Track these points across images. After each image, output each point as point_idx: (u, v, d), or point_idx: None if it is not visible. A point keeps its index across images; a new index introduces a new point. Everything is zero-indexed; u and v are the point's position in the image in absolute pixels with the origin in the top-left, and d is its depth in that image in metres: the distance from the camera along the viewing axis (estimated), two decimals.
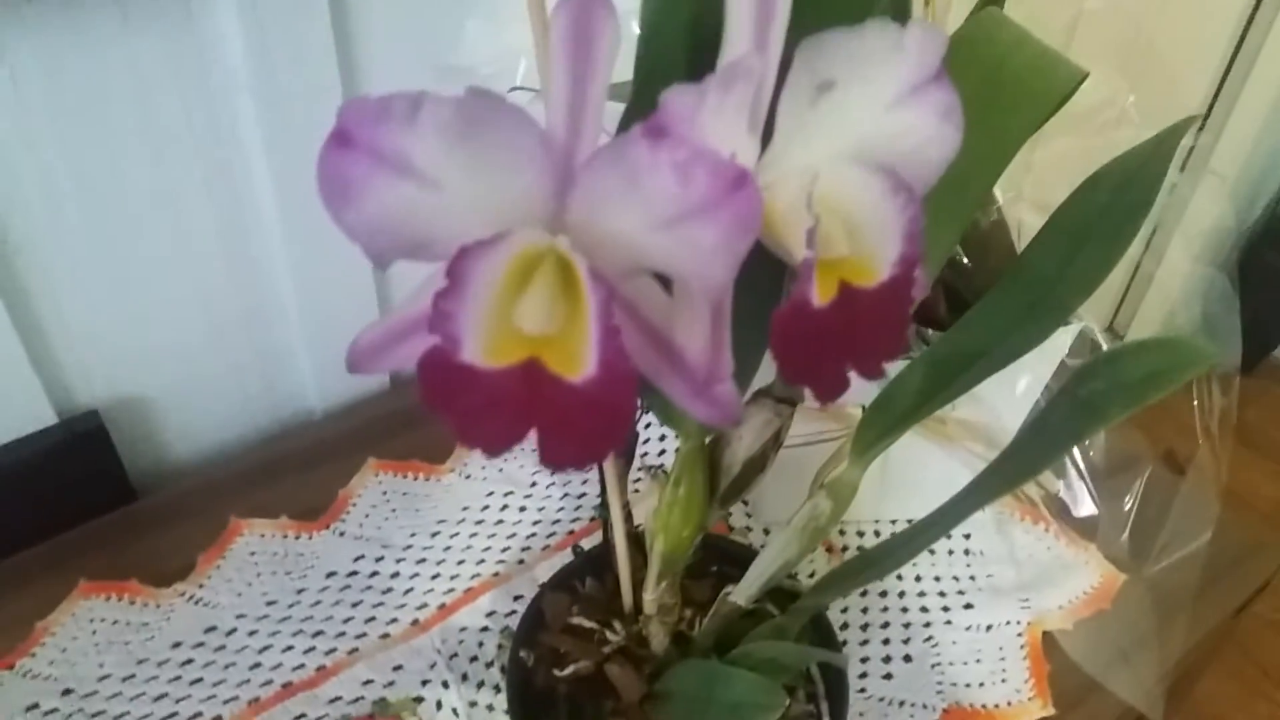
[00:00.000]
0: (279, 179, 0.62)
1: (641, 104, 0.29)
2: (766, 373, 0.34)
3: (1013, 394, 0.56)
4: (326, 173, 0.22)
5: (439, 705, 0.57)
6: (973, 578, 0.64)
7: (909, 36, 0.27)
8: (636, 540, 0.46)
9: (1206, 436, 0.49)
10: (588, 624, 0.48)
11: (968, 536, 0.66)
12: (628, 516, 0.45)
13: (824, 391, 0.26)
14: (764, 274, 0.27)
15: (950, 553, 0.65)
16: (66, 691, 0.57)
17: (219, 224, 0.63)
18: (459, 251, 0.23)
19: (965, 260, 0.65)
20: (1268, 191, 1.43)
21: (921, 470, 0.62)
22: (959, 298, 0.66)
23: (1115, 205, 0.42)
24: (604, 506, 0.45)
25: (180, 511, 0.66)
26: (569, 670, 0.46)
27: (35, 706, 0.56)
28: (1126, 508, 0.54)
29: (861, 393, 0.36)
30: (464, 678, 0.58)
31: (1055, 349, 0.54)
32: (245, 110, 0.59)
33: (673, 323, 0.26)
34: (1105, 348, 0.51)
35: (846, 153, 0.27)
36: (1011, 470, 0.34)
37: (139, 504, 0.67)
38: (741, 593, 0.46)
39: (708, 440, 0.42)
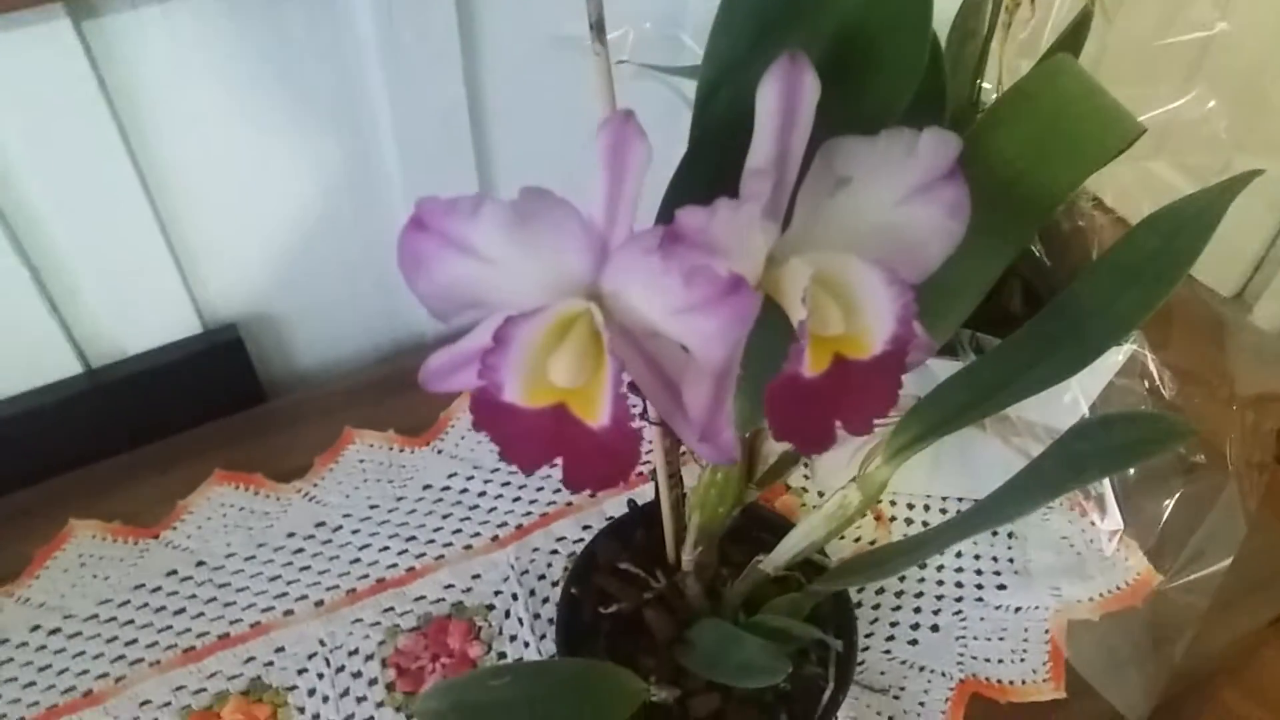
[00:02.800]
0: (400, 133, 0.68)
1: (686, 187, 0.33)
2: None
3: (1060, 404, 0.59)
4: (405, 250, 0.28)
5: (507, 614, 0.65)
6: (1011, 560, 0.68)
7: (923, 142, 0.30)
8: (680, 503, 0.51)
9: (1242, 463, 0.51)
10: (634, 570, 0.54)
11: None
12: (674, 484, 0.51)
13: (807, 447, 0.31)
14: None
15: (994, 533, 0.69)
16: (200, 563, 0.67)
17: (348, 170, 0.69)
18: (505, 320, 0.28)
19: (1046, 260, 0.67)
20: None
21: (975, 452, 0.66)
22: (1036, 295, 0.68)
23: (1164, 251, 0.44)
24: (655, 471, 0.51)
25: (302, 417, 0.75)
26: (612, 609, 0.53)
27: (174, 573, 0.67)
28: (1154, 522, 0.57)
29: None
30: (531, 593, 0.65)
31: (1105, 367, 0.56)
32: (374, 74, 0.64)
33: (683, 381, 0.31)
34: (1148, 366, 0.52)
35: (855, 241, 0.31)
36: (996, 512, 0.38)
37: (267, 406, 0.76)
38: (770, 562, 0.51)
39: (747, 434, 0.47)
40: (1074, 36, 0.50)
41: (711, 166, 0.34)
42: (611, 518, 0.68)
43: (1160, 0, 0.62)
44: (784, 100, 0.29)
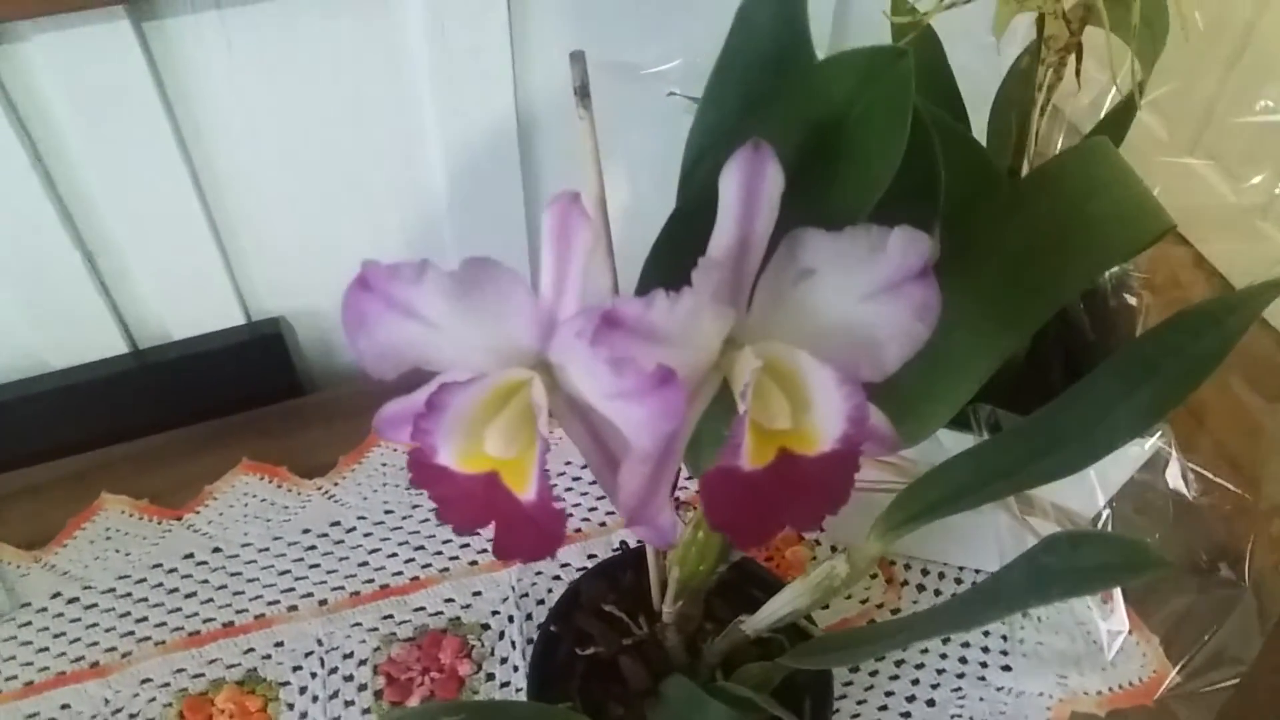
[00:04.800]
0: (448, 144, 0.69)
1: (666, 255, 0.33)
2: None
3: (1080, 490, 0.56)
4: (348, 307, 0.28)
5: (501, 635, 0.65)
6: (1022, 640, 0.65)
7: (893, 240, 0.29)
8: (663, 555, 0.51)
9: (1262, 575, 0.48)
10: (617, 613, 0.54)
11: None
12: None
13: (743, 542, 0.30)
14: None
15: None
16: (216, 549, 0.69)
17: (393, 177, 0.71)
18: (439, 387, 0.28)
19: (1091, 334, 0.64)
20: None
21: (991, 524, 0.64)
22: (1078, 369, 0.65)
23: (1189, 349, 0.42)
24: None
25: (334, 414, 0.77)
26: (589, 650, 0.52)
27: (191, 556, 0.69)
28: (1172, 619, 0.54)
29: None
30: (528, 617, 0.66)
31: (1128, 459, 0.54)
32: (423, 86, 0.65)
33: (622, 461, 0.30)
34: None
35: (814, 334, 0.30)
36: (956, 619, 0.37)
37: (301, 401, 0.78)
38: (752, 624, 0.51)
39: None
40: (1118, 120, 0.48)
41: (692, 235, 0.34)
42: (618, 548, 0.68)
43: None
44: (744, 189, 0.29)
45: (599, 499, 0.72)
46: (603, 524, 0.70)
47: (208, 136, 0.64)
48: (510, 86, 0.66)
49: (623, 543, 0.58)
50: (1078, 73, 0.46)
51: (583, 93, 0.32)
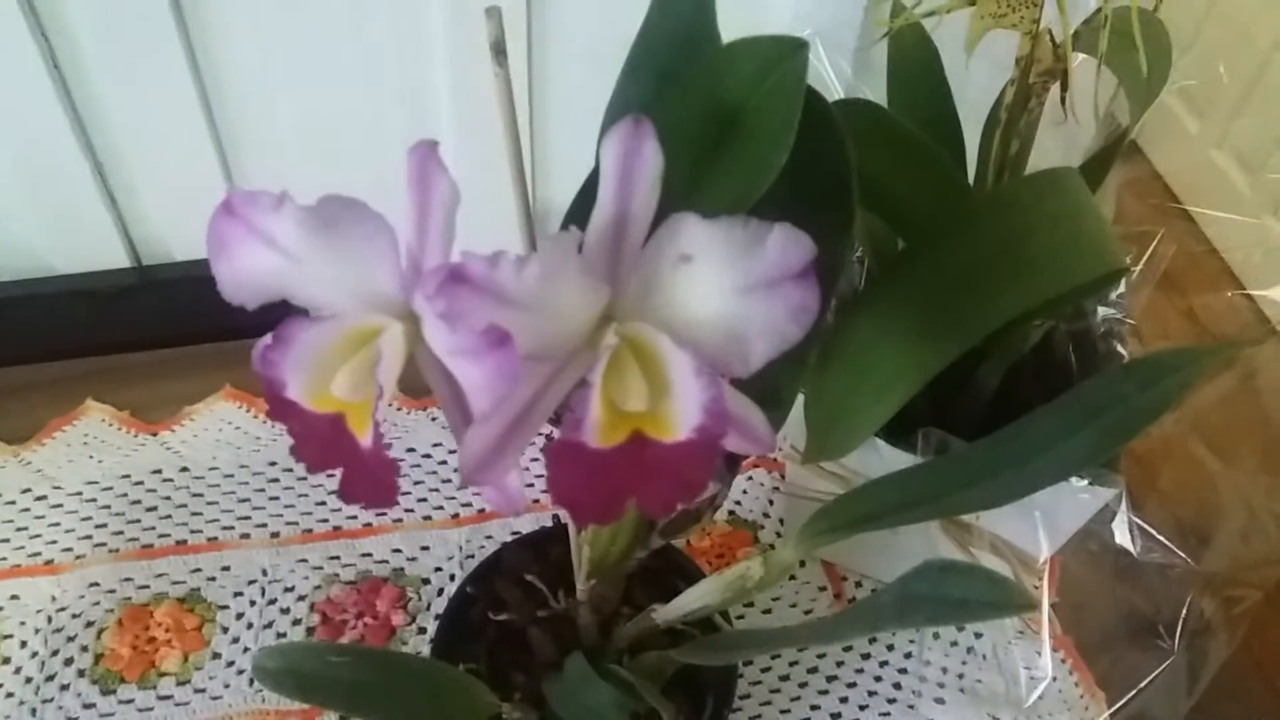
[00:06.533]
0: (456, 100, 0.69)
1: (576, 219, 0.32)
2: None
3: (1028, 533, 0.55)
4: (211, 230, 0.28)
5: (440, 592, 0.65)
6: (961, 675, 0.64)
7: (773, 237, 0.29)
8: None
9: (1194, 641, 0.46)
10: (538, 584, 0.53)
11: (979, 635, 0.65)
12: None
13: (583, 518, 0.30)
14: None
15: (954, 644, 0.65)
16: (184, 469, 0.70)
17: (401, 119, 0.71)
18: (286, 320, 0.28)
19: (1075, 366, 0.62)
20: None
21: (939, 551, 0.62)
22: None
23: (1134, 399, 0.41)
24: None
25: None
26: (502, 616, 0.52)
27: (159, 472, 0.70)
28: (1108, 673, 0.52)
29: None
30: None
31: (1078, 507, 0.52)
32: (440, 57, 0.66)
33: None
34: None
35: (686, 321, 0.30)
36: (825, 634, 0.36)
37: None
38: (663, 614, 0.50)
39: None
40: (1104, 154, 0.46)
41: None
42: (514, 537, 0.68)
43: None
44: (621, 165, 0.28)
45: None
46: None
47: (221, 63, 0.65)
48: (525, 43, 0.66)
49: (555, 516, 0.58)
50: (1062, 100, 0.44)
51: (498, 49, 0.31)
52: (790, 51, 0.28)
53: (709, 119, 0.30)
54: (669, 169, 0.29)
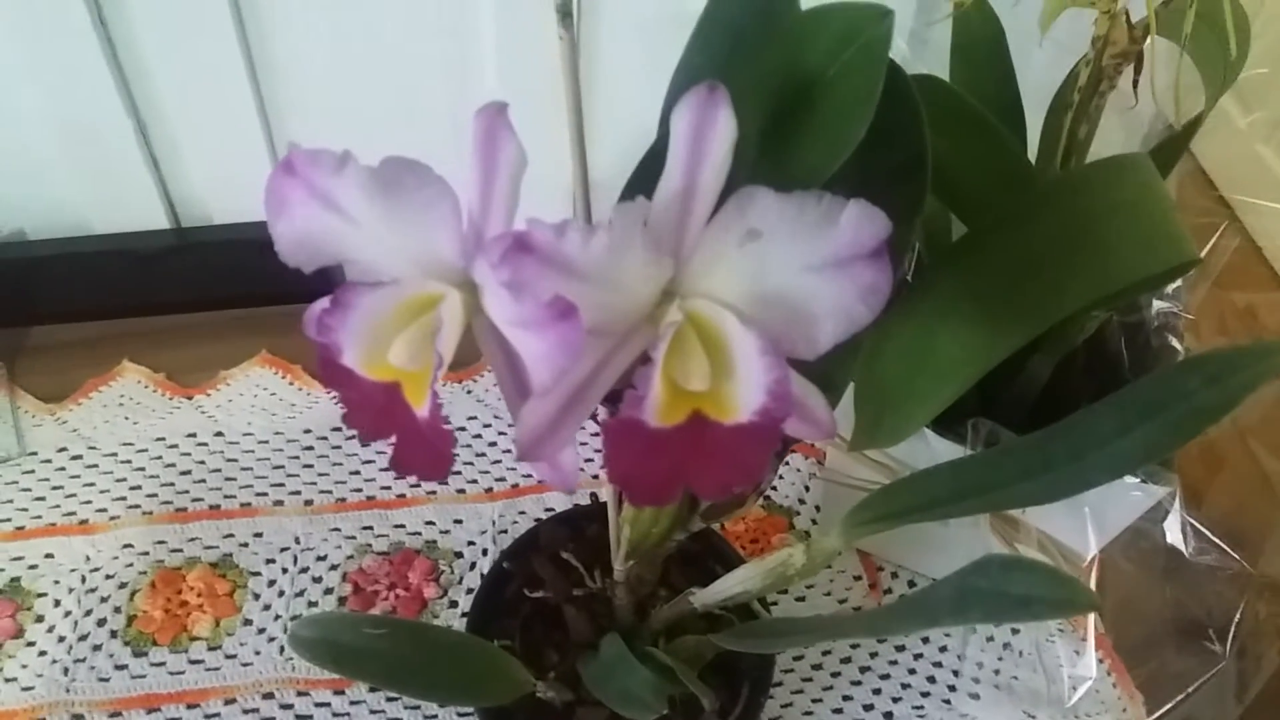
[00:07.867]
0: (500, 71, 0.68)
1: (639, 186, 0.31)
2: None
3: (1077, 529, 0.53)
4: (270, 190, 0.28)
5: (472, 566, 0.65)
6: (997, 671, 0.63)
7: (847, 214, 0.28)
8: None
9: (1244, 648, 0.45)
10: (574, 562, 0.53)
11: (1016, 631, 0.64)
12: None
13: (640, 498, 0.29)
14: None
15: (990, 639, 0.64)
16: (218, 434, 0.70)
17: (445, 89, 0.70)
18: (346, 285, 0.27)
19: (1126, 358, 0.61)
20: None
21: (986, 546, 0.61)
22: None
23: (1197, 396, 0.40)
24: None
25: None
26: (538, 594, 0.52)
27: (194, 435, 0.70)
28: (1152, 673, 0.51)
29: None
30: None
31: (1129, 505, 0.51)
32: (488, 30, 0.65)
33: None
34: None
35: (753, 298, 0.29)
36: (877, 626, 0.35)
37: None
38: (701, 599, 0.49)
39: None
40: (1175, 141, 0.45)
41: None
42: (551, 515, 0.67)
43: None
44: (694, 132, 0.27)
45: (596, 451, 0.71)
46: (595, 477, 0.70)
47: (266, 24, 0.64)
48: (577, 27, 0.65)
49: (593, 494, 0.57)
50: (1135, 84, 0.43)
51: (564, 10, 0.30)
52: (874, 20, 0.27)
53: (784, 88, 0.29)
54: (738, 140, 0.28)
